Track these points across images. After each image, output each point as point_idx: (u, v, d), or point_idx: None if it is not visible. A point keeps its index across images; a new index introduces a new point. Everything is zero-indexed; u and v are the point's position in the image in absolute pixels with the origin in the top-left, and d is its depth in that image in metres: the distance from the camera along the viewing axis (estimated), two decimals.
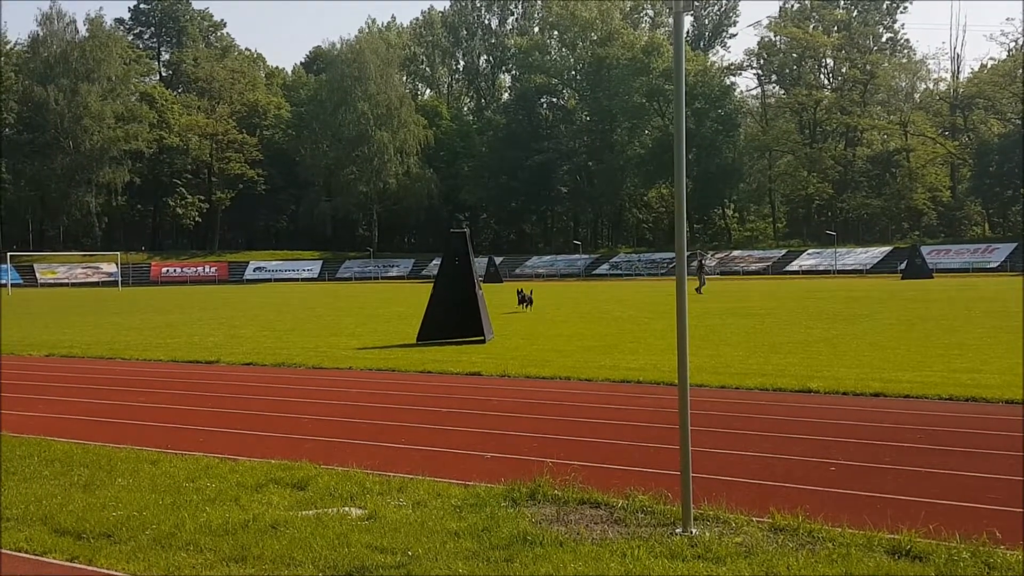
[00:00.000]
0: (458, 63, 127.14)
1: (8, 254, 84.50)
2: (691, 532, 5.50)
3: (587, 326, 23.01)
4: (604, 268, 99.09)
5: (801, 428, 9.15)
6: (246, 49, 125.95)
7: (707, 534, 5.45)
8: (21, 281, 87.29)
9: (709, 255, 51.18)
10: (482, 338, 19.07)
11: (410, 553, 5.11)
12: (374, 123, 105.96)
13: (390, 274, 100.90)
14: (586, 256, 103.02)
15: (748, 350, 16.29)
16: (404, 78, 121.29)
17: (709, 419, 9.78)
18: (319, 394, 12.06)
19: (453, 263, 19.75)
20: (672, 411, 10.37)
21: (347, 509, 6.12)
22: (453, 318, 19.26)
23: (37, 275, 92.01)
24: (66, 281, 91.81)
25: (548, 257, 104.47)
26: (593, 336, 20.11)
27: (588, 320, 25.38)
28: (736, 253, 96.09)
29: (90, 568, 5.05)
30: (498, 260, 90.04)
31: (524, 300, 29.93)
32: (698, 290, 41.09)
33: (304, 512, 6.01)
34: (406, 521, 5.75)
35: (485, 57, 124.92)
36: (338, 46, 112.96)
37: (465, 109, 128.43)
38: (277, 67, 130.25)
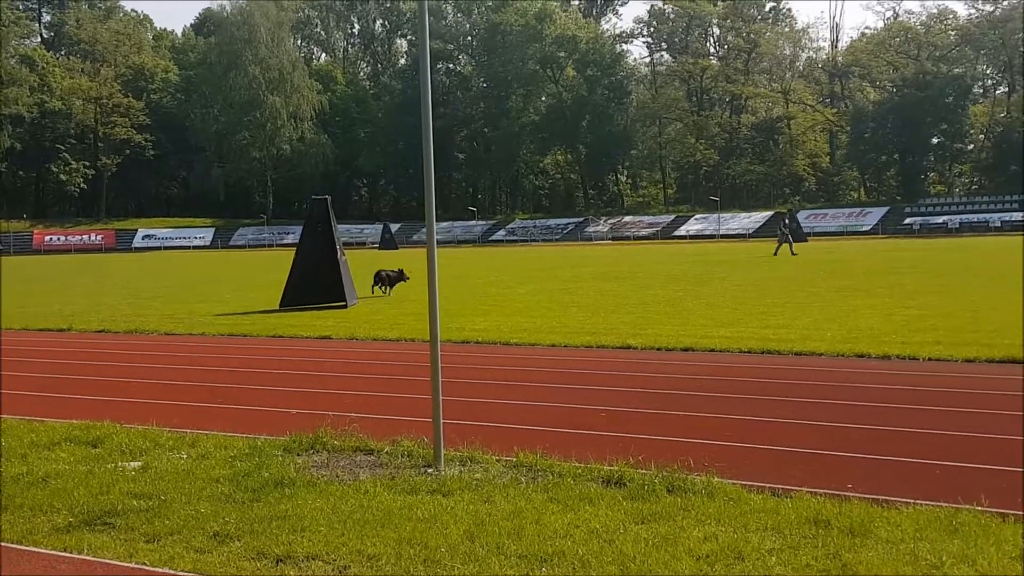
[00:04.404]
0: (353, 27, 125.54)
1: None
2: (439, 471, 6.05)
3: (452, 291, 23.51)
4: (501, 234, 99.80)
5: (598, 380, 9.82)
6: (132, 10, 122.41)
7: (452, 472, 6.00)
8: None
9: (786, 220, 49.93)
10: (344, 303, 19.40)
11: (163, 498, 5.52)
12: (266, 87, 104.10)
13: (285, 241, 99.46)
14: (483, 222, 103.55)
15: (593, 311, 17.02)
16: (298, 42, 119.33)
17: (512, 373, 10.39)
18: (159, 359, 12.28)
19: (315, 230, 20.04)
20: (493, 367, 11.00)
21: (126, 463, 6.48)
22: (315, 284, 19.56)
23: None
24: None
25: (446, 223, 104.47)
26: (455, 300, 20.60)
27: (455, 286, 25.86)
28: (628, 219, 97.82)
29: None
30: (395, 227, 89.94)
31: (384, 281, 23.02)
32: (791, 252, 41.09)
33: (80, 466, 6.35)
34: (175, 470, 6.16)
35: (381, 21, 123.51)
36: (228, 8, 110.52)
37: (361, 74, 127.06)
38: (165, 29, 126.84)
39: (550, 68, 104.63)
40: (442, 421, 6.24)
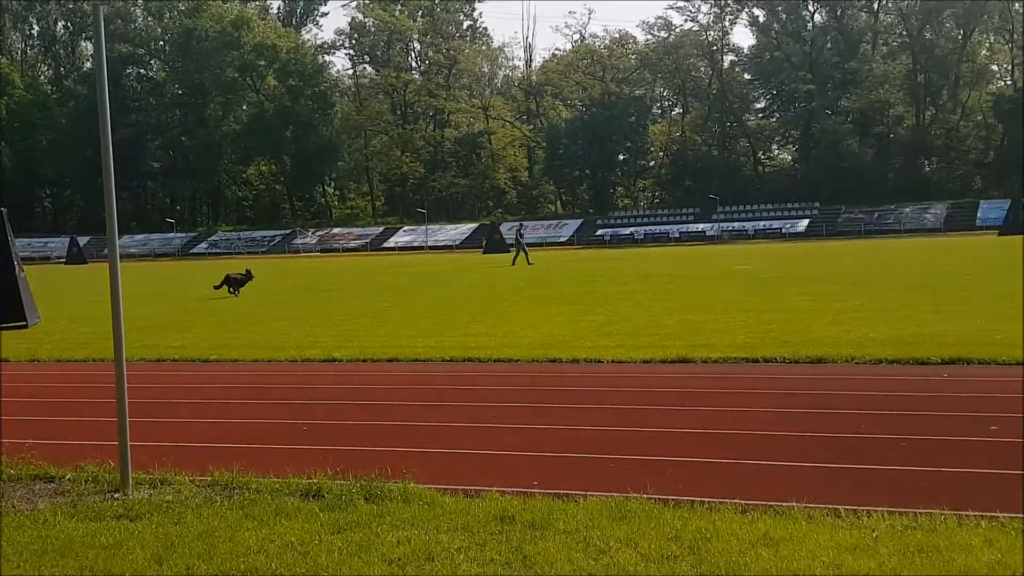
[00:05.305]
0: (32, 28, 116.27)
1: None
2: (127, 495, 5.79)
3: (149, 307, 22.37)
4: (203, 247, 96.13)
5: (302, 394, 9.78)
6: None
7: (141, 495, 5.77)
8: None
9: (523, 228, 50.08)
10: (24, 323, 17.96)
11: None
12: None
13: None
14: (183, 234, 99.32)
15: (298, 325, 16.82)
16: None
17: (211, 391, 10.13)
18: None
19: None
20: (190, 386, 10.63)
21: None
22: None
23: None
24: None
25: (141, 236, 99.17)
26: (152, 316, 19.62)
27: (153, 302, 24.62)
28: (336, 231, 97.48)
29: None
30: (83, 240, 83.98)
31: (233, 284, 24.44)
32: (520, 262, 40.32)
33: None
34: None
35: (63, 23, 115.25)
36: None
37: (43, 78, 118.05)
38: None
39: (250, 76, 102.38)
40: (129, 443, 5.98)
